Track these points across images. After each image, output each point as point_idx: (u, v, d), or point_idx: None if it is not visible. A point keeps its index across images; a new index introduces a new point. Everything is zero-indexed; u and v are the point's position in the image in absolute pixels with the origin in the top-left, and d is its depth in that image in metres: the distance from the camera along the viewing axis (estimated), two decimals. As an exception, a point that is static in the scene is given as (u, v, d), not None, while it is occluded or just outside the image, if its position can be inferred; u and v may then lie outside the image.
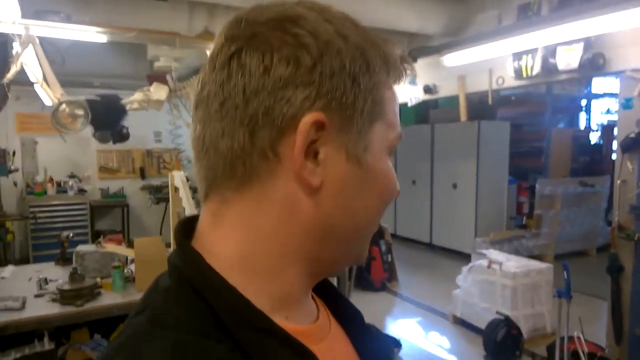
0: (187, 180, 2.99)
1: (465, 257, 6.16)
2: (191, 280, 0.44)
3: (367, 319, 0.61)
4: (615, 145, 5.44)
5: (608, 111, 9.95)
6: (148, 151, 7.61)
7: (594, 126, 9.93)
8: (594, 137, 9.54)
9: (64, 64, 3.35)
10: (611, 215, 4.19)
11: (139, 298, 0.48)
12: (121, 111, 3.47)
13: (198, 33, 3.83)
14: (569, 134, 8.73)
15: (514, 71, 3.94)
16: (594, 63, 3.37)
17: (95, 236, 4.62)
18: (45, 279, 2.76)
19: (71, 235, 3.56)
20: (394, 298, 5.54)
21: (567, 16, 2.73)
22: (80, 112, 3.25)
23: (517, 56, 3.86)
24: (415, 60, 4.43)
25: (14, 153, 5.69)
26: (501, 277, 4.12)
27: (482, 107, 6.60)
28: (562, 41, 3.36)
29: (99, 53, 5.18)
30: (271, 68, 0.43)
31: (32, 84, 3.20)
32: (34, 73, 3.12)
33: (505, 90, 6.11)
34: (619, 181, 3.47)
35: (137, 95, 3.63)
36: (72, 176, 6.88)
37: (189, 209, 2.80)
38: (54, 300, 2.49)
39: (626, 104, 3.44)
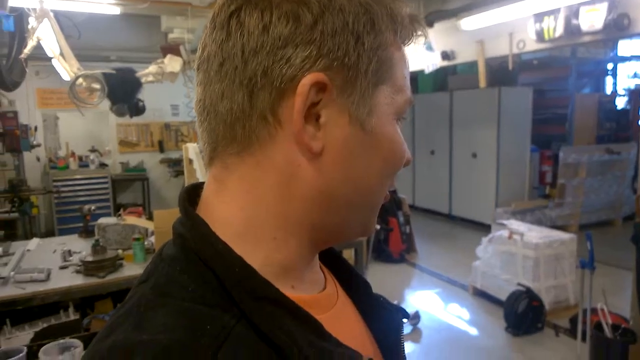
0: (201, 151, 2.99)
1: (485, 228, 6.12)
2: (196, 249, 0.43)
3: (385, 291, 0.60)
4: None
5: (635, 75, 9.58)
6: (166, 124, 7.67)
7: (620, 91, 9.57)
8: (621, 102, 9.21)
9: (80, 37, 3.36)
10: (637, 183, 4.08)
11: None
12: (136, 84, 3.48)
13: (210, 2, 3.79)
14: (594, 99, 8.43)
15: (536, 34, 3.81)
16: (619, 24, 3.24)
17: (117, 209, 4.71)
18: (69, 251, 2.82)
19: (93, 208, 3.63)
20: (412, 269, 5.53)
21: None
22: (97, 85, 3.27)
23: (539, 18, 3.72)
24: (431, 25, 4.31)
25: (35, 128, 5.78)
26: (523, 248, 4.07)
27: (502, 73, 6.43)
28: (585, 0, 3.23)
29: (115, 26, 5.18)
30: (270, 26, 0.41)
31: (50, 59, 3.22)
32: (51, 47, 3.12)
33: (527, 55, 5.94)
34: (646, 147, 3.38)
35: (152, 68, 3.63)
36: (93, 150, 7.01)
37: (203, 181, 2.81)
38: (77, 271, 2.55)
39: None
